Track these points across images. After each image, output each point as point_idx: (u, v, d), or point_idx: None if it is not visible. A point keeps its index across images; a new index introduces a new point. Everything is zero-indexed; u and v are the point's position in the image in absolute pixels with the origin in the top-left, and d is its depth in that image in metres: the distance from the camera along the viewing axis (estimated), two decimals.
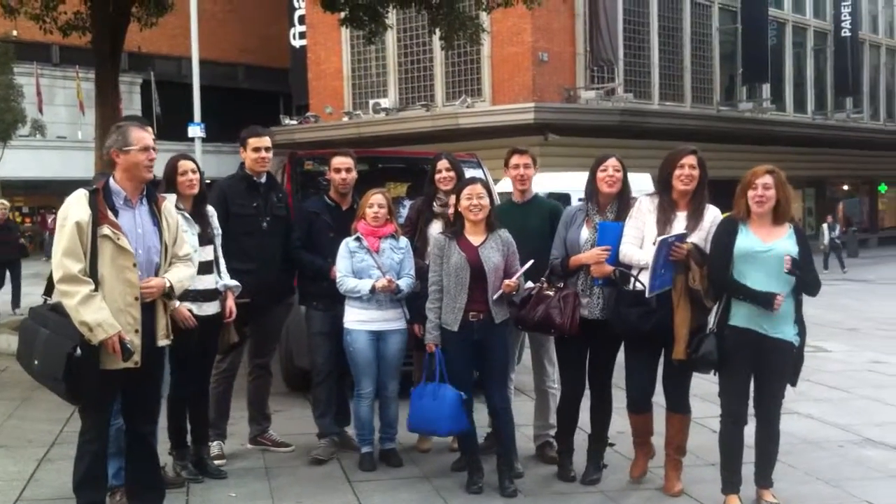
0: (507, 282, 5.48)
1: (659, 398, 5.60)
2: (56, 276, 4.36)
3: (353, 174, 6.45)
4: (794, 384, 5.25)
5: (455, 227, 5.67)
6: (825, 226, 27.03)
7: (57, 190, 24.82)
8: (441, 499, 5.49)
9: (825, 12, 35.52)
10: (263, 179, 6.39)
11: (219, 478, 5.82)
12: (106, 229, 4.38)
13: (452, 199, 5.99)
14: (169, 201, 4.96)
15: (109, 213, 4.45)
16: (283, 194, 6.68)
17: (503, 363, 5.74)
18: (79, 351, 4.31)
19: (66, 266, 4.32)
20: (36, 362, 4.49)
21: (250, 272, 5.98)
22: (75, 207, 4.41)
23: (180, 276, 4.76)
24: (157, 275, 4.63)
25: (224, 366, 6.21)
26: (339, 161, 6.42)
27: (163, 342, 4.70)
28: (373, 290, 5.88)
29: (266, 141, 6.35)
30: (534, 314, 5.53)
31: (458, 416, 5.53)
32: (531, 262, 5.57)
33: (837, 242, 26.36)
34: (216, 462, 6.02)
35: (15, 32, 25.25)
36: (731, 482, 5.28)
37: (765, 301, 4.99)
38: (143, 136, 4.57)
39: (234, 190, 6.29)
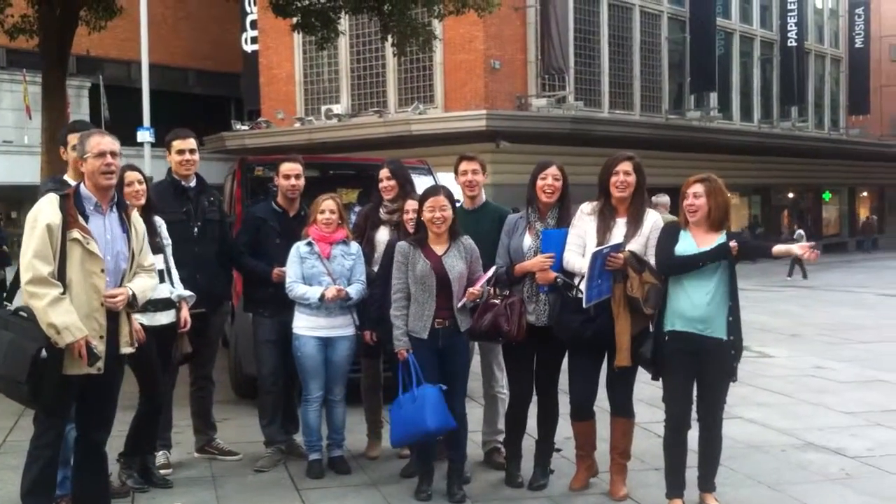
0: (470, 290, 5.49)
1: (604, 403, 5.67)
2: (25, 278, 4.34)
3: (302, 180, 6.43)
4: (734, 378, 5.32)
5: (419, 234, 5.66)
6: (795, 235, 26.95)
7: (2, 195, 24.41)
8: None
9: (772, 22, 36.14)
10: (193, 183, 6.28)
11: (165, 487, 5.78)
12: (76, 233, 4.40)
13: (409, 204, 6.01)
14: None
15: (80, 218, 4.45)
16: (215, 197, 6.52)
17: (464, 370, 5.77)
18: (44, 353, 4.28)
19: (36, 268, 4.31)
20: None
21: (183, 280, 5.84)
22: (46, 210, 4.42)
23: (143, 286, 4.77)
24: (122, 282, 4.63)
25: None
26: (288, 167, 6.39)
27: (125, 350, 4.69)
28: (322, 298, 5.89)
29: (190, 143, 6.24)
30: (481, 323, 5.55)
31: (443, 410, 5.39)
32: (494, 268, 5.60)
33: None
34: (162, 471, 5.97)
35: None
36: (675, 486, 5.36)
37: (721, 252, 5.08)
38: (99, 141, 4.55)
39: (162, 196, 6.09)
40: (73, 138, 5.23)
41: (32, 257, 4.33)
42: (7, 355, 4.38)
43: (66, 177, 5.35)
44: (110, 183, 4.59)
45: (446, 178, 6.95)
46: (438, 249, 5.58)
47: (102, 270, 4.47)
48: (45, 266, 4.32)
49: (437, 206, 5.53)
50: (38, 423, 4.60)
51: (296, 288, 5.96)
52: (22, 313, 4.42)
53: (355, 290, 6.02)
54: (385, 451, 6.49)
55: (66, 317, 4.28)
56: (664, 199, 12.05)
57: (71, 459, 4.94)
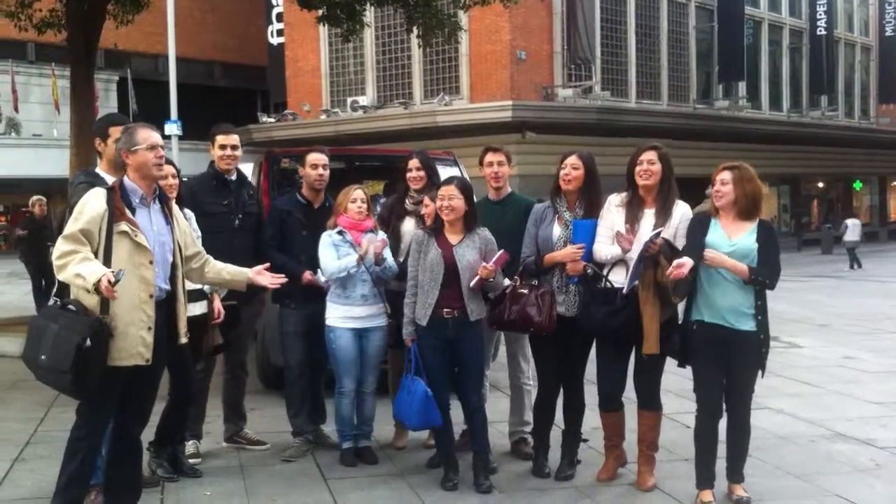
0: (483, 265, 5.48)
1: (632, 394, 5.65)
2: (54, 257, 4.40)
3: (328, 171, 6.44)
4: (763, 374, 5.31)
5: (435, 224, 5.69)
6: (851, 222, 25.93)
7: (31, 188, 24.65)
8: (416, 495, 5.51)
9: (801, 11, 35.77)
10: (234, 177, 6.36)
11: (194, 476, 5.81)
12: (124, 226, 4.46)
13: (427, 199, 6.04)
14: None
15: (127, 211, 4.52)
16: (254, 191, 6.62)
17: (478, 362, 5.75)
18: (88, 342, 4.31)
19: (61, 246, 4.38)
20: (43, 357, 4.44)
21: None
22: (93, 202, 4.49)
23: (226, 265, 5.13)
24: (173, 274, 4.75)
25: (200, 366, 6.11)
26: (316, 157, 6.40)
27: (184, 340, 4.85)
28: (359, 261, 5.88)
29: (233, 139, 6.33)
30: (509, 313, 5.55)
31: (427, 411, 5.58)
32: (502, 251, 5.57)
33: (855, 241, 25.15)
34: (191, 461, 6.01)
35: None
36: (705, 477, 5.33)
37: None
38: (150, 134, 4.65)
39: (205, 188, 6.24)
40: (115, 131, 5.22)
41: (61, 238, 4.41)
42: (52, 346, 4.41)
43: (98, 169, 5.37)
44: (161, 174, 4.76)
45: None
46: (453, 239, 5.61)
47: (151, 262, 4.54)
48: (70, 244, 4.37)
49: (446, 195, 5.57)
50: (79, 414, 4.63)
51: (331, 265, 5.95)
52: (70, 307, 4.46)
53: (390, 255, 6.07)
54: (412, 441, 6.51)
55: (91, 266, 4.29)
56: None
57: (103, 449, 4.99)
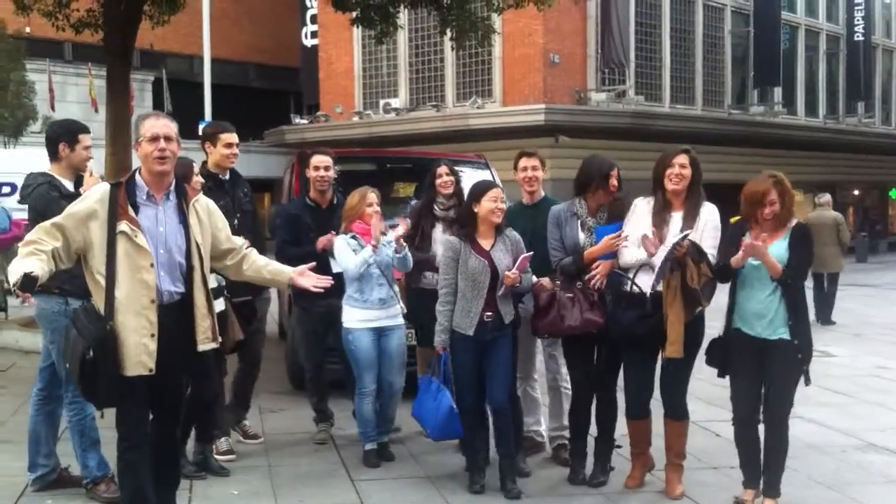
0: (507, 273, 5.45)
1: (659, 401, 5.60)
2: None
3: (332, 172, 6.57)
4: (807, 382, 5.27)
5: (466, 229, 5.66)
6: None
7: None
8: (442, 498, 5.51)
9: (838, 16, 35.40)
10: (227, 176, 6.37)
11: (221, 475, 5.84)
12: (123, 225, 4.14)
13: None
14: (197, 195, 4.67)
15: (130, 210, 4.18)
16: (249, 188, 6.60)
17: (507, 362, 5.69)
18: (91, 353, 4.07)
19: (28, 234, 4.16)
20: (68, 365, 4.27)
21: None
22: (84, 198, 4.25)
23: (264, 260, 4.81)
24: (188, 277, 4.33)
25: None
26: (319, 159, 6.57)
27: (205, 346, 4.41)
28: (374, 249, 5.94)
29: (236, 136, 6.37)
30: (563, 321, 5.48)
31: (450, 425, 5.59)
32: (531, 253, 5.56)
33: None
34: (226, 457, 6.07)
35: (28, 29, 25.37)
36: (751, 478, 5.32)
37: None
38: (154, 125, 4.24)
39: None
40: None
41: (36, 226, 4.20)
42: (71, 355, 4.20)
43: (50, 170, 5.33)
44: (163, 169, 4.24)
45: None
46: (485, 244, 5.59)
47: (152, 265, 4.18)
48: (38, 234, 4.10)
49: (498, 197, 5.55)
50: (118, 428, 4.34)
51: (351, 260, 5.96)
52: (87, 308, 4.23)
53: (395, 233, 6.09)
54: (441, 444, 6.45)
55: (20, 264, 3.90)
56: (826, 197, 13.80)
57: (99, 441, 5.17)
